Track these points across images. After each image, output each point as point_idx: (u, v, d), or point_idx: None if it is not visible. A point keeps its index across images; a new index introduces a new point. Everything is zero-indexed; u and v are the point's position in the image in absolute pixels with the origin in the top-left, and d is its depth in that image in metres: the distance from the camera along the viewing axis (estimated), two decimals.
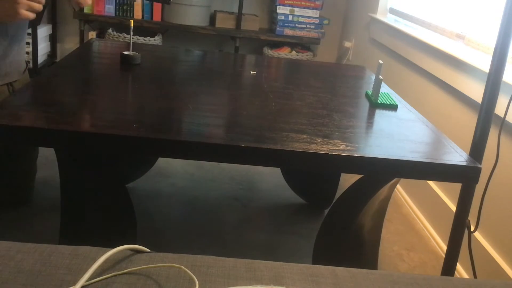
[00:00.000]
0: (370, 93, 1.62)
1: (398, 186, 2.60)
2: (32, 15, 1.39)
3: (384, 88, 1.75)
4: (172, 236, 1.95)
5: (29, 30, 3.22)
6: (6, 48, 1.56)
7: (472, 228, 1.50)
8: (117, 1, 3.56)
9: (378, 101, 1.54)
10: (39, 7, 1.40)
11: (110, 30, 3.54)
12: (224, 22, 3.69)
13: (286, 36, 3.72)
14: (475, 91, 1.96)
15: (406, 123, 1.40)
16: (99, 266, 0.62)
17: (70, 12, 3.70)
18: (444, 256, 1.65)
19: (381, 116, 1.45)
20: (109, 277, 0.61)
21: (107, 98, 1.33)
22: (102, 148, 1.10)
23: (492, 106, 1.42)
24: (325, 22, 3.74)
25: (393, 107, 1.54)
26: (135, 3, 3.58)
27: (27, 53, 3.30)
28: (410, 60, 2.60)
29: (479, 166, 1.17)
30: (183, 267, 0.64)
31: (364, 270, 0.69)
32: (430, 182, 2.28)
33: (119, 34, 3.47)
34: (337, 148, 1.14)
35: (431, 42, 2.34)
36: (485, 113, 1.43)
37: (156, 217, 2.06)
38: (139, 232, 1.44)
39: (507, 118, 1.70)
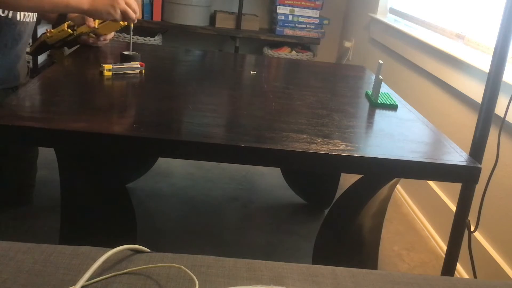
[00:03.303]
0: (370, 93, 1.62)
1: (398, 186, 2.60)
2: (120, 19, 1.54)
3: (384, 88, 1.75)
4: (172, 236, 1.95)
5: None
6: (19, 50, 1.57)
7: (472, 228, 1.50)
8: None
9: (378, 101, 1.54)
10: (132, 16, 1.54)
11: None
12: (224, 22, 3.69)
13: (286, 36, 3.72)
14: (475, 91, 1.96)
15: (406, 123, 1.40)
16: (99, 266, 0.62)
17: None
18: (444, 256, 1.65)
19: (381, 116, 1.44)
20: (109, 277, 0.61)
21: (107, 98, 1.33)
22: (102, 148, 1.10)
23: (492, 106, 1.42)
24: (325, 22, 3.74)
25: (393, 107, 1.54)
26: None
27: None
28: (410, 60, 2.60)
29: (479, 166, 1.17)
30: (183, 267, 0.64)
31: (364, 270, 0.69)
32: (430, 182, 2.28)
33: (119, 34, 3.47)
34: (337, 148, 1.14)
35: (431, 42, 2.34)
36: (485, 113, 1.43)
37: (156, 217, 2.06)
38: (139, 232, 1.44)
39: (507, 118, 1.70)
